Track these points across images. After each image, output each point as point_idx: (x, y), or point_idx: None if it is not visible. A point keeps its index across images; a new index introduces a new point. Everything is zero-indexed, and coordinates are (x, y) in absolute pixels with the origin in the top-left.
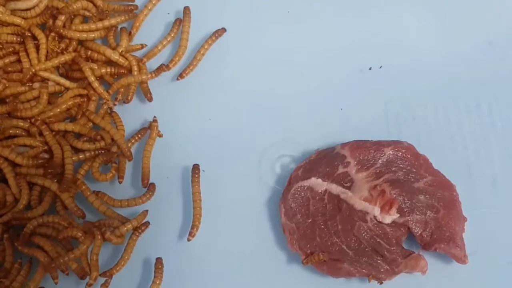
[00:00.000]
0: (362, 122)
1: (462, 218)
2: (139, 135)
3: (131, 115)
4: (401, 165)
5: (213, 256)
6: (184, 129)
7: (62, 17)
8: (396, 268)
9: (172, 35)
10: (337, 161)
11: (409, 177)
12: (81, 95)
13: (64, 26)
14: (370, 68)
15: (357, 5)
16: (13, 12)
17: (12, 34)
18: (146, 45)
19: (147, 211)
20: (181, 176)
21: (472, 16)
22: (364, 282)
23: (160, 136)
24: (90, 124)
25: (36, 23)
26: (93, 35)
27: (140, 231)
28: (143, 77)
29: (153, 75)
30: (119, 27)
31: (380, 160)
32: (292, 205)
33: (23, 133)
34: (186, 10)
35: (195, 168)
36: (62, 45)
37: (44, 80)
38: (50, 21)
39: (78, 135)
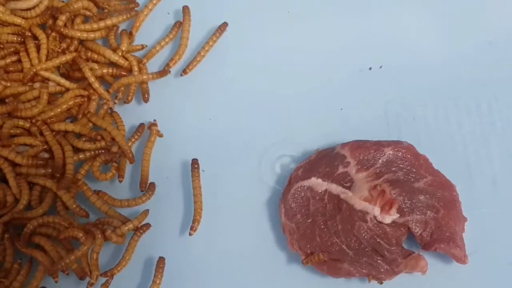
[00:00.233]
0: (362, 122)
1: (462, 218)
2: (138, 133)
3: (131, 115)
4: (401, 165)
5: (213, 256)
6: (184, 129)
7: (63, 17)
8: (396, 268)
9: (170, 36)
10: (337, 161)
11: (409, 177)
12: (81, 95)
13: (65, 26)
14: (370, 68)
15: (357, 5)
16: (13, 11)
17: (13, 34)
18: (146, 46)
19: (148, 210)
20: (181, 176)
21: (472, 16)
22: (364, 282)
23: (160, 136)
24: (90, 124)
25: (36, 23)
26: (94, 35)
27: (141, 231)
28: (144, 77)
29: (155, 76)
30: (120, 27)
31: (380, 160)
32: (292, 205)
33: (24, 133)
34: (186, 9)
35: (194, 162)
36: (64, 45)
37: (44, 80)
38: (50, 21)
39: (79, 135)
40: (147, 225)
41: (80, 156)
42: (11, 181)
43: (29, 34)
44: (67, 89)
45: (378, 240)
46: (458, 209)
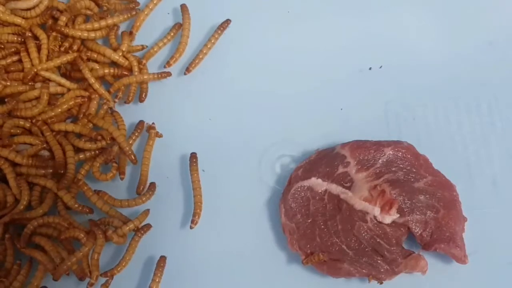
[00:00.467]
0: (362, 122)
1: (462, 218)
2: (138, 131)
3: (131, 115)
4: (401, 165)
5: (213, 256)
6: (184, 129)
7: (64, 18)
8: (396, 268)
9: (168, 37)
10: (337, 161)
11: (409, 177)
12: (82, 96)
13: (66, 25)
14: (370, 68)
15: (357, 5)
16: (13, 11)
17: (13, 34)
18: (146, 46)
19: (148, 210)
20: (181, 176)
21: (472, 16)
22: (364, 282)
23: (160, 136)
24: (91, 124)
25: (36, 23)
26: (94, 34)
27: (142, 232)
28: (145, 77)
29: (156, 76)
30: (120, 27)
31: (380, 160)
32: (292, 205)
33: (24, 132)
34: (184, 7)
35: (193, 156)
36: (66, 44)
37: (45, 81)
38: (50, 21)
39: (79, 135)
40: (148, 226)
41: (81, 156)
42: (12, 181)
43: (30, 34)
44: (68, 90)
45: (378, 240)
46: (458, 209)
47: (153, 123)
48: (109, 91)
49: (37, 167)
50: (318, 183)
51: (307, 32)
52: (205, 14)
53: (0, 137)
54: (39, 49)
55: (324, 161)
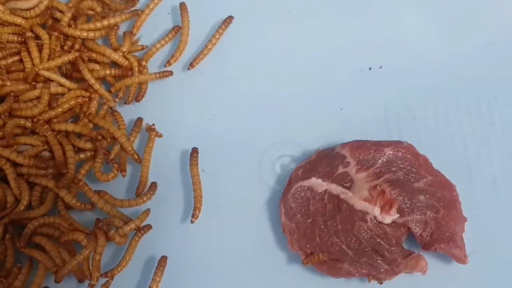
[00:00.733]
0: (362, 122)
1: (462, 218)
2: (137, 129)
3: (132, 115)
4: (401, 165)
5: (213, 256)
6: (184, 128)
7: (66, 18)
8: (396, 268)
9: (166, 39)
10: (337, 161)
11: (409, 177)
12: (82, 96)
13: (69, 25)
14: (370, 68)
15: (357, 5)
16: (13, 11)
17: (13, 34)
18: (146, 46)
19: (149, 210)
20: (181, 176)
21: (472, 16)
22: (364, 282)
23: (160, 136)
24: (91, 124)
25: (36, 23)
26: (94, 34)
27: (142, 232)
28: (146, 77)
29: (157, 76)
30: (121, 27)
31: (380, 160)
32: (292, 205)
33: (25, 132)
34: (183, 5)
35: (194, 151)
36: (69, 43)
37: (46, 81)
38: (50, 21)
39: (79, 135)
40: (148, 226)
41: (81, 156)
42: (12, 182)
43: (30, 34)
44: (69, 89)
45: (378, 240)
46: (458, 209)
47: (153, 124)
48: (109, 91)
49: (37, 167)
50: (318, 183)
51: (307, 32)
52: (205, 14)
53: (4, 137)
54: (40, 49)
55: (324, 161)
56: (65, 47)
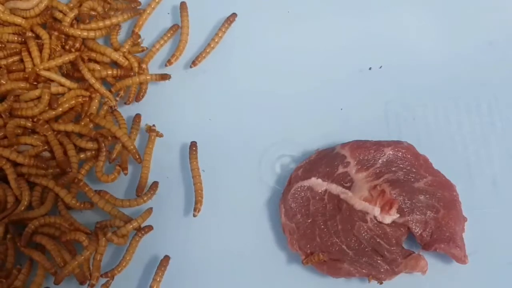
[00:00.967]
0: (362, 122)
1: (462, 218)
2: (136, 126)
3: (132, 114)
4: (401, 165)
5: (213, 256)
6: (185, 128)
7: (68, 18)
8: (396, 268)
9: (165, 39)
10: (337, 161)
11: (409, 177)
12: (82, 95)
13: (71, 25)
14: (370, 68)
15: (357, 5)
16: (13, 11)
17: (13, 34)
18: (146, 48)
19: (151, 209)
20: (181, 176)
21: (472, 16)
22: (364, 282)
23: (160, 136)
24: (91, 124)
25: (36, 23)
26: (94, 34)
27: (143, 233)
28: (147, 77)
29: (155, 78)
30: (121, 27)
31: (380, 160)
32: (292, 205)
33: (26, 132)
34: (183, 5)
35: (193, 145)
36: (70, 42)
37: (47, 81)
38: (50, 21)
39: (80, 135)
40: (149, 227)
41: (81, 156)
42: (13, 182)
43: (31, 34)
44: (69, 89)
45: (378, 240)
46: (458, 209)
47: (153, 125)
48: (110, 91)
49: (38, 167)
50: (318, 183)
51: (307, 32)
52: (205, 13)
53: (6, 137)
54: (40, 48)
55: (324, 161)
56: (67, 47)
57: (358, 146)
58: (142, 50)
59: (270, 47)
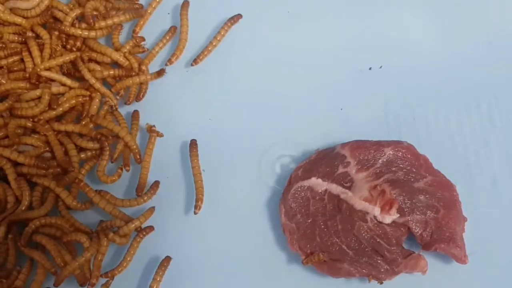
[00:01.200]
0: (362, 122)
1: (462, 218)
2: (135, 122)
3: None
4: (401, 165)
5: (213, 256)
6: (185, 128)
7: (69, 18)
8: (396, 268)
9: (164, 41)
10: (337, 161)
11: (409, 177)
12: (82, 95)
13: (73, 25)
14: (370, 68)
15: (357, 5)
16: (13, 10)
17: (14, 33)
18: (147, 49)
19: (154, 208)
20: (181, 176)
21: (472, 16)
22: (364, 282)
23: (161, 136)
24: (91, 124)
25: (37, 23)
26: (95, 33)
27: (144, 233)
28: (148, 77)
29: (152, 77)
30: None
31: (380, 160)
32: (292, 205)
33: (26, 132)
34: (185, 4)
35: (193, 143)
36: (71, 42)
37: (47, 81)
38: (50, 21)
39: (81, 135)
40: (150, 228)
41: (82, 156)
42: (13, 183)
43: (31, 34)
44: (70, 89)
45: (378, 240)
46: (458, 209)
47: (153, 126)
48: (110, 91)
49: (38, 167)
50: (318, 183)
51: (307, 32)
52: (205, 13)
53: (7, 136)
54: (41, 48)
55: (324, 161)
56: (68, 46)
57: (358, 146)
58: (143, 51)
59: (271, 47)
